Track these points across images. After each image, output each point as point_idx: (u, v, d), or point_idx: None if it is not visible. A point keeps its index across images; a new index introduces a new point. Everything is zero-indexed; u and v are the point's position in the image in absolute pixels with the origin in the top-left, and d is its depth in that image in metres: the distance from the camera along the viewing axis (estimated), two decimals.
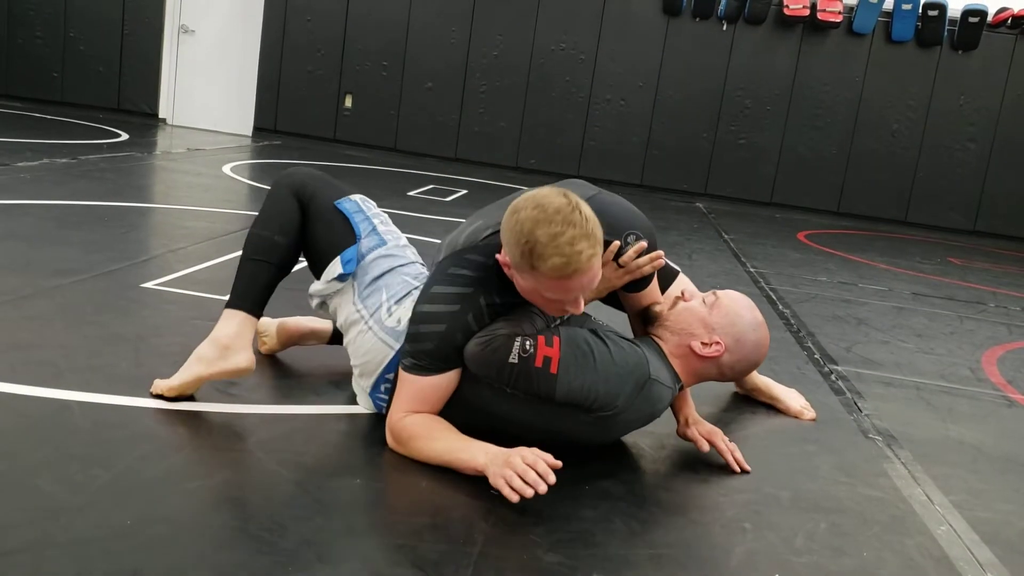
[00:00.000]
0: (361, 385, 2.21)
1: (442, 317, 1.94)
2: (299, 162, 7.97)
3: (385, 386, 2.14)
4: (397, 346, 2.09)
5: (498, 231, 1.91)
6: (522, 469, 1.78)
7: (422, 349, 1.95)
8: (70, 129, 8.11)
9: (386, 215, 2.35)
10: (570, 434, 2.02)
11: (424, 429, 1.96)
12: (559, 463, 1.79)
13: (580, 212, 1.78)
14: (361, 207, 2.27)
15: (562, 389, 1.92)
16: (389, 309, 2.13)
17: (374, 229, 2.23)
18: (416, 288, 2.17)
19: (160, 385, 2.13)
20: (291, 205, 2.20)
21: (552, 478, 1.77)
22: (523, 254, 1.79)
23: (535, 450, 1.82)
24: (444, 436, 1.95)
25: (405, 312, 2.10)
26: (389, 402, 2.11)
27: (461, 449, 1.91)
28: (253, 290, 2.17)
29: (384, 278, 2.16)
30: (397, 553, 1.56)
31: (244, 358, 2.12)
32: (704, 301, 2.19)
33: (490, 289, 1.97)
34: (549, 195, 1.80)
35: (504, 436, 1.96)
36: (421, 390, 1.98)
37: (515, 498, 1.75)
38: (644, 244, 2.05)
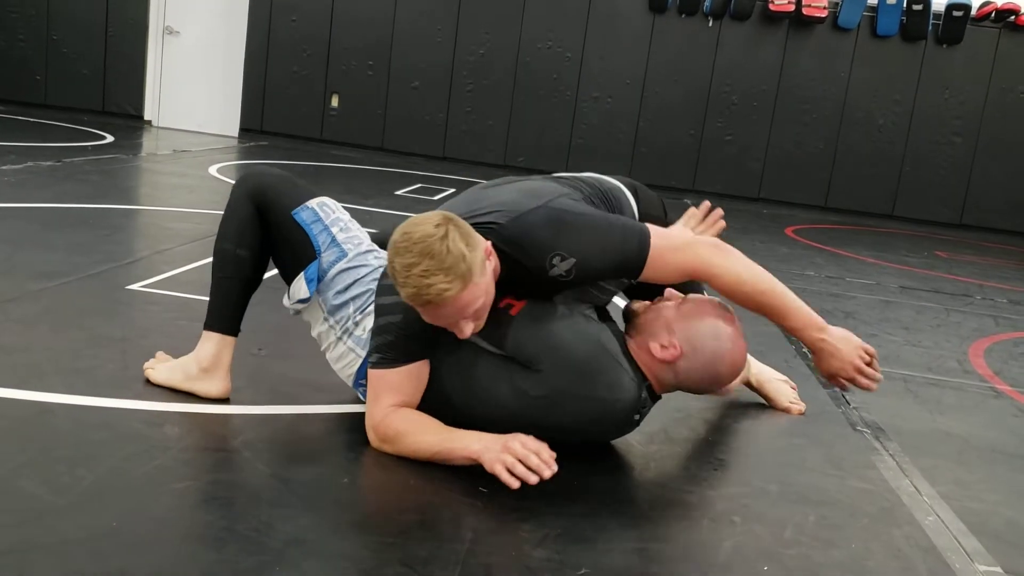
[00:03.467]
0: (338, 371, 2.25)
1: (396, 308, 1.89)
2: (286, 162, 7.95)
3: (362, 390, 2.15)
4: (365, 354, 2.09)
5: None
6: (522, 454, 1.78)
7: (384, 341, 1.93)
8: (54, 132, 8.07)
9: (347, 216, 2.29)
10: (527, 418, 1.95)
11: (410, 424, 1.94)
12: (554, 453, 1.79)
13: (445, 242, 1.70)
14: (319, 214, 2.21)
15: (517, 333, 1.93)
16: (355, 320, 2.13)
17: (333, 240, 2.18)
18: (364, 270, 2.20)
19: (151, 374, 2.22)
20: (249, 213, 2.17)
21: (555, 466, 1.77)
22: (392, 278, 1.76)
23: (532, 437, 1.82)
24: (432, 428, 1.94)
25: (371, 320, 2.09)
26: None
27: (452, 439, 1.89)
28: (226, 309, 2.19)
29: (349, 290, 2.14)
30: (385, 551, 1.55)
31: (218, 387, 2.17)
32: (678, 304, 2.08)
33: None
34: (422, 222, 1.74)
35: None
36: (392, 383, 1.94)
37: (515, 484, 1.75)
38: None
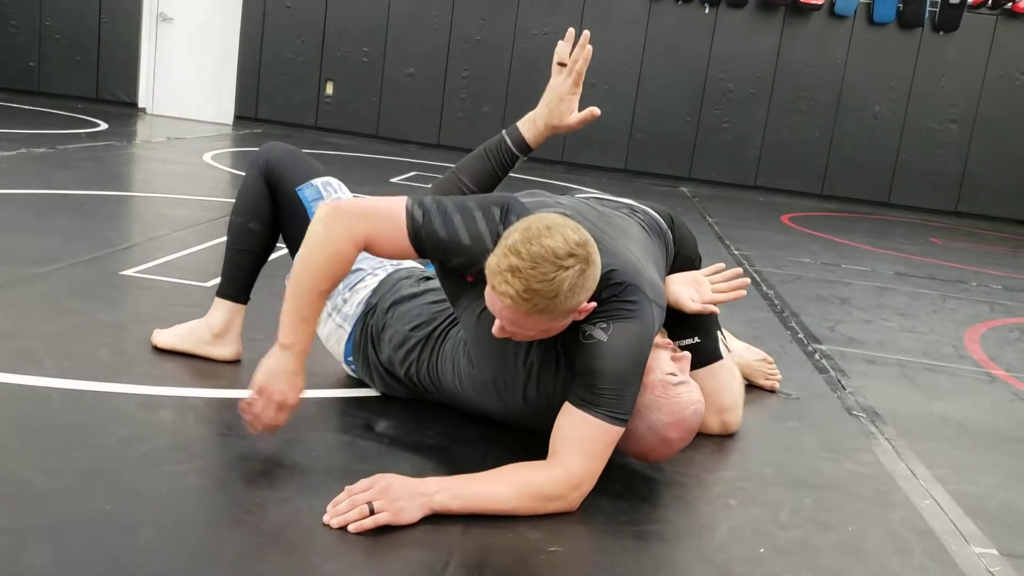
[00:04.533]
0: (331, 349, 2.30)
1: (475, 235, 1.79)
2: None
3: (352, 367, 2.21)
4: (350, 328, 2.15)
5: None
6: (263, 405, 1.74)
7: (434, 223, 1.79)
8: (48, 119, 8.02)
9: (349, 195, 2.29)
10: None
11: (325, 268, 1.78)
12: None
13: (562, 275, 1.59)
14: (321, 192, 2.22)
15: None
16: (344, 297, 2.17)
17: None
18: (368, 274, 2.21)
19: (158, 337, 2.33)
20: (260, 187, 2.23)
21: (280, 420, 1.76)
22: (495, 248, 1.68)
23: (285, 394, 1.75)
24: (315, 295, 1.79)
25: (357, 296, 2.15)
26: (367, 375, 2.19)
27: (298, 319, 1.78)
28: (238, 278, 2.30)
29: None
30: (380, 531, 1.55)
31: (230, 351, 2.30)
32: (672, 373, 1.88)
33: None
34: (564, 238, 1.62)
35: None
36: (392, 231, 1.79)
37: (252, 428, 1.74)
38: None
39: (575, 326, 1.78)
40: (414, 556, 1.50)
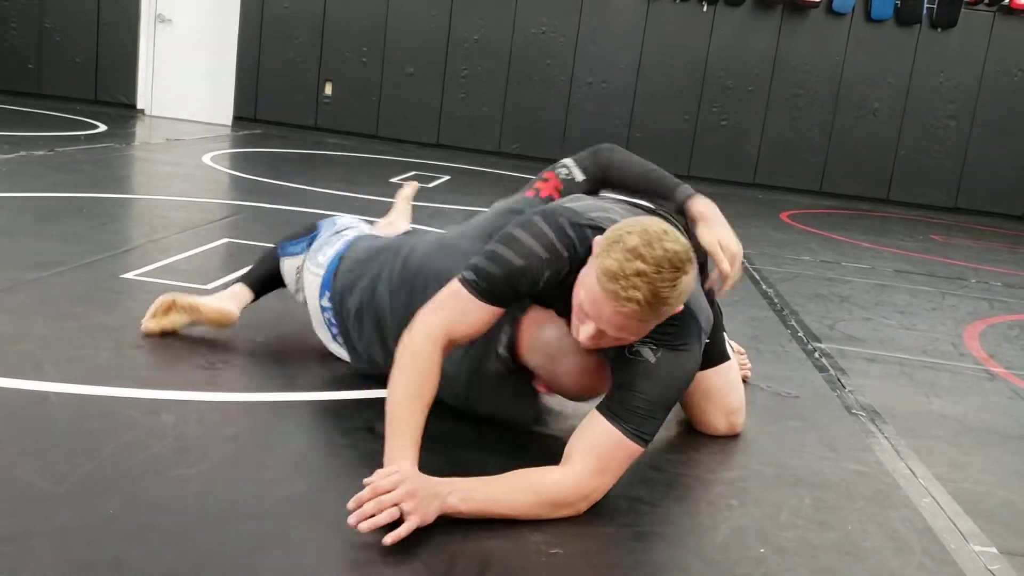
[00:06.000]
0: (321, 337, 2.41)
1: (526, 252, 1.79)
2: (280, 151, 7.93)
3: (328, 316, 2.32)
4: (322, 272, 2.34)
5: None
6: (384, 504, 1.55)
7: (485, 268, 1.80)
8: (47, 121, 8.02)
9: (351, 222, 2.60)
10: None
11: (411, 373, 1.73)
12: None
13: (678, 270, 1.60)
14: (331, 227, 2.55)
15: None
16: (320, 249, 2.42)
17: (335, 231, 2.50)
18: (344, 229, 2.46)
19: (160, 299, 2.49)
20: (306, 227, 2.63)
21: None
22: (608, 240, 1.64)
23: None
24: (406, 402, 1.71)
25: (331, 249, 2.36)
26: (344, 335, 2.27)
27: (397, 434, 1.68)
28: (259, 275, 2.62)
29: (321, 239, 2.48)
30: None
31: (226, 306, 2.50)
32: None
33: (570, 267, 1.82)
34: (684, 248, 1.63)
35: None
36: (461, 307, 1.79)
37: (360, 527, 1.52)
38: None
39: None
40: (417, 558, 1.50)
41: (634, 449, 1.74)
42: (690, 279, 1.64)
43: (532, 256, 1.80)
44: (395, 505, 1.54)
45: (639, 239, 1.61)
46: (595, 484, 1.72)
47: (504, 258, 1.80)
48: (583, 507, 1.73)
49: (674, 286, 1.61)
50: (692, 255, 1.65)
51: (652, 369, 1.74)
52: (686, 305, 1.76)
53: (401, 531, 1.52)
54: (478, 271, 1.81)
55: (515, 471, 1.72)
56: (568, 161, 2.27)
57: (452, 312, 1.80)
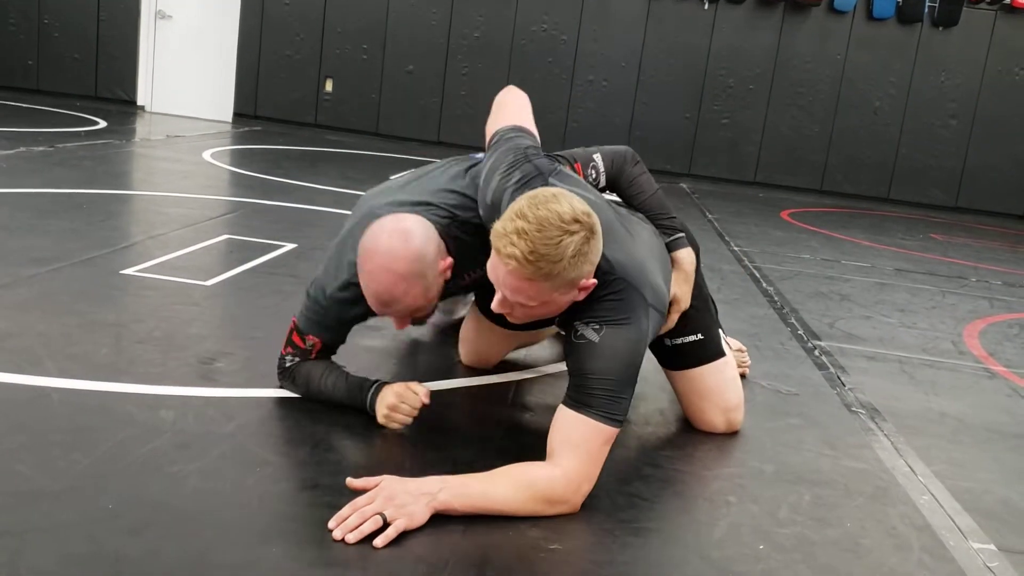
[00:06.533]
0: None
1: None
2: (280, 147, 7.92)
3: None
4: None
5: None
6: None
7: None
8: (46, 117, 8.02)
9: None
10: None
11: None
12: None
13: (566, 240, 1.62)
14: None
15: None
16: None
17: None
18: None
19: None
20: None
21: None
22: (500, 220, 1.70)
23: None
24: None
25: None
26: None
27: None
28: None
29: None
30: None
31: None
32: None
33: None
34: (571, 207, 1.65)
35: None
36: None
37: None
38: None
39: (569, 325, 1.79)
40: (415, 554, 1.51)
41: (608, 431, 1.73)
42: (581, 241, 1.64)
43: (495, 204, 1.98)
44: (378, 514, 1.54)
45: (527, 201, 1.66)
46: (582, 475, 1.72)
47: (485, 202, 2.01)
48: (578, 501, 1.73)
49: (557, 244, 1.61)
50: (590, 221, 1.66)
51: (598, 348, 1.74)
52: (625, 279, 1.78)
53: (389, 533, 1.52)
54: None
55: (505, 467, 1.72)
56: (599, 163, 2.21)
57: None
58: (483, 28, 9.50)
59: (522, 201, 1.67)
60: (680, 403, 2.30)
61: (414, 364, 2.53)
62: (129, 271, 3.12)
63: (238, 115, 9.79)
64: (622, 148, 2.25)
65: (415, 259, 1.86)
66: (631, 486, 1.89)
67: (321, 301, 2.05)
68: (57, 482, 1.60)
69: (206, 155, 6.80)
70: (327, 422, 2.04)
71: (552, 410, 2.26)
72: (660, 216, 2.18)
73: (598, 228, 1.69)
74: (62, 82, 9.79)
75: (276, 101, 9.70)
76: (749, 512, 1.83)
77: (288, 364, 2.13)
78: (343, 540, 1.51)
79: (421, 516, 1.58)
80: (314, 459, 1.85)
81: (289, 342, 2.11)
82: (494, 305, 1.75)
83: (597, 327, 1.76)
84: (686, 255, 2.16)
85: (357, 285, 1.95)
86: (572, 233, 1.63)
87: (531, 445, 2.01)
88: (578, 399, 1.74)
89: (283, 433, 1.96)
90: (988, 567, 1.72)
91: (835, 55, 9.33)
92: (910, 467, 2.19)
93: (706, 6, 9.32)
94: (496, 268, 1.68)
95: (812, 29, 9.32)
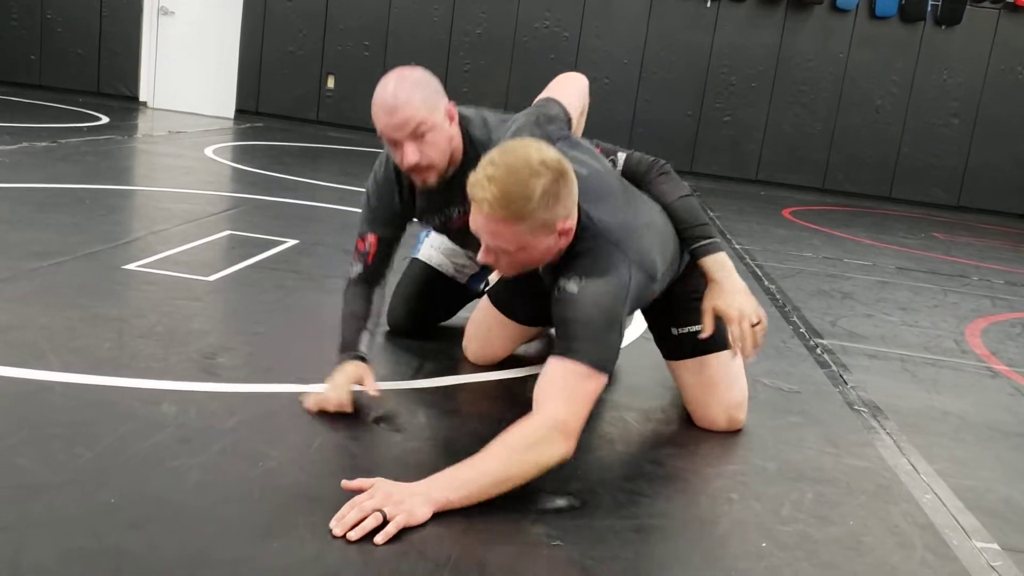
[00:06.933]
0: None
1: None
2: (281, 144, 7.92)
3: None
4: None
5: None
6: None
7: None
8: (49, 113, 8.02)
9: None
10: None
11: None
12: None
13: (533, 181, 1.70)
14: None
15: None
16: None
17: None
18: None
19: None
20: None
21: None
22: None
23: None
24: None
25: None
26: None
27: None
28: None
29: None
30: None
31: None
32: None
33: None
34: (539, 151, 1.75)
35: None
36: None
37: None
38: None
39: (553, 285, 1.85)
40: (416, 551, 1.50)
41: (591, 373, 1.73)
42: (549, 182, 1.71)
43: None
44: (377, 510, 1.54)
45: (498, 150, 1.76)
46: (567, 412, 1.70)
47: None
48: (570, 444, 1.70)
49: (525, 186, 1.70)
50: (559, 165, 1.75)
51: (578, 299, 1.79)
52: (605, 236, 1.84)
53: (389, 530, 1.52)
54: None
55: (489, 443, 1.70)
56: (619, 158, 2.22)
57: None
58: (485, 25, 9.49)
59: (494, 150, 1.77)
60: (683, 399, 2.30)
61: (419, 361, 2.53)
62: (131, 266, 3.11)
63: (240, 111, 9.78)
64: (654, 158, 2.25)
65: (422, 75, 2.11)
66: (633, 483, 1.89)
67: (369, 191, 2.31)
68: (58, 476, 1.60)
69: (208, 151, 6.80)
70: (329, 418, 2.03)
71: None
72: (688, 224, 2.12)
73: (569, 173, 1.77)
74: (64, 78, 9.79)
75: (278, 97, 9.69)
76: (751, 510, 1.83)
77: (352, 275, 2.27)
78: (344, 538, 1.50)
79: (421, 513, 1.57)
80: (316, 455, 1.85)
81: (355, 250, 2.28)
82: (479, 256, 1.84)
83: (578, 279, 1.81)
84: (712, 264, 2.10)
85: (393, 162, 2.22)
86: (539, 175, 1.71)
87: None
88: (560, 348, 1.77)
89: (285, 428, 1.96)
90: (991, 566, 1.71)
91: (837, 53, 9.31)
92: (912, 465, 2.18)
93: (708, 4, 9.31)
94: (475, 216, 1.77)
95: (814, 27, 9.30)
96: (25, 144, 5.79)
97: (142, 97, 9.89)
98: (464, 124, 2.25)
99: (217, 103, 9.86)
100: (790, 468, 2.07)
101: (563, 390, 1.72)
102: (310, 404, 2.04)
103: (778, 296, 3.98)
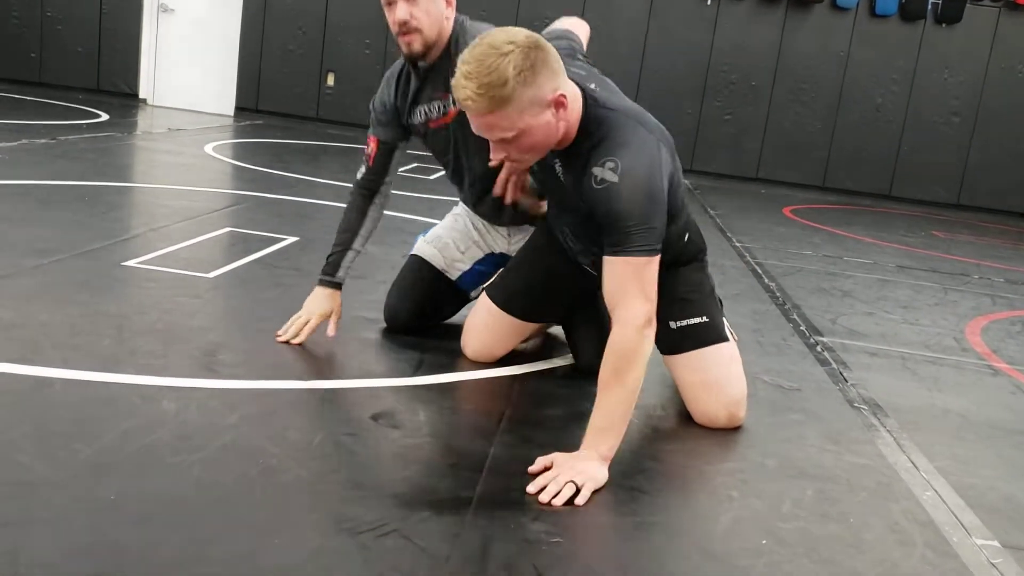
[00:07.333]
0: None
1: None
2: (281, 141, 7.91)
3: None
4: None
5: None
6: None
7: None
8: (49, 110, 8.01)
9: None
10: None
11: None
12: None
13: (501, 61, 1.70)
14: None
15: None
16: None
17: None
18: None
19: None
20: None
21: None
22: None
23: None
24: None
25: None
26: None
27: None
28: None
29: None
30: (383, 521, 1.55)
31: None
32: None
33: None
34: (510, 34, 1.76)
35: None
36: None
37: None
38: None
39: (582, 173, 1.88)
40: (416, 546, 1.50)
41: (649, 260, 1.84)
42: (520, 57, 1.71)
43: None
44: (569, 482, 1.71)
45: (468, 48, 1.77)
46: (642, 306, 1.83)
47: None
48: (655, 323, 1.85)
49: (496, 69, 1.70)
50: (530, 40, 1.75)
51: (619, 188, 1.83)
52: (626, 115, 1.92)
53: (584, 493, 1.70)
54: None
55: (600, 375, 1.85)
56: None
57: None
58: (485, 22, 9.47)
59: (466, 50, 1.77)
60: (682, 395, 2.30)
61: (418, 358, 2.52)
62: (131, 263, 3.11)
63: (240, 109, 9.77)
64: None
65: None
66: (633, 480, 1.88)
67: (374, 99, 2.58)
68: (59, 472, 1.60)
69: (208, 148, 6.80)
70: (329, 414, 2.03)
71: (557, 404, 2.27)
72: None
73: (544, 45, 1.77)
74: (65, 75, 9.78)
75: (278, 95, 9.68)
76: (751, 507, 1.83)
77: (357, 177, 2.59)
78: (549, 503, 1.67)
79: (602, 476, 1.77)
80: (316, 451, 1.85)
81: (362, 153, 2.50)
82: (493, 158, 1.87)
83: (613, 164, 1.84)
84: None
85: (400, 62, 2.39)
86: (506, 54, 1.71)
87: (536, 439, 2.01)
88: (614, 245, 1.84)
89: (285, 425, 1.96)
90: (992, 563, 1.71)
91: (838, 52, 9.31)
92: (913, 463, 2.18)
93: (708, 2, 9.30)
94: (470, 119, 1.81)
95: (815, 25, 9.30)
96: (25, 141, 5.79)
97: (142, 94, 9.89)
98: (461, 21, 2.50)
99: (217, 100, 9.86)
100: (790, 465, 2.07)
101: (633, 285, 1.83)
102: (282, 336, 2.41)
103: (778, 294, 3.98)
